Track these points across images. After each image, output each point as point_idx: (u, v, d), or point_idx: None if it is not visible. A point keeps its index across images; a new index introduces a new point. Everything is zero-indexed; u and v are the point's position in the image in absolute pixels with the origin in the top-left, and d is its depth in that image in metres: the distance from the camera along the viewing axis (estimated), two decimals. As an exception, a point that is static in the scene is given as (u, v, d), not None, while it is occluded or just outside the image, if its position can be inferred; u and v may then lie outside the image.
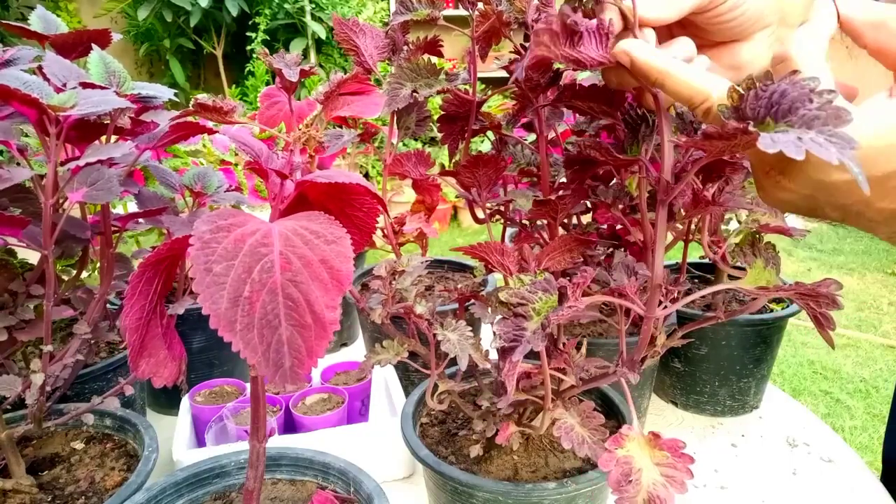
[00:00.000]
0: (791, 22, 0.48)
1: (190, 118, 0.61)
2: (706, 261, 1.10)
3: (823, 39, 0.38)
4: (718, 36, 0.47)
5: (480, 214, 0.69)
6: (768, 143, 0.32)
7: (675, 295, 0.52)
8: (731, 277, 0.86)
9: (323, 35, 4.41)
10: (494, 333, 0.46)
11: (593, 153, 0.48)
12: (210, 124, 0.62)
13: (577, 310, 0.45)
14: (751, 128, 0.34)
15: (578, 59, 0.44)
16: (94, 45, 0.62)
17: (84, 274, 0.72)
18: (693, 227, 0.70)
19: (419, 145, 3.65)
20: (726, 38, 0.47)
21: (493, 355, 0.63)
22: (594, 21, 0.43)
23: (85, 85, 0.55)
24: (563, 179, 0.67)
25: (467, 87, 0.64)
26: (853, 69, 0.40)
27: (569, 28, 0.43)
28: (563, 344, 0.60)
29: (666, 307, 0.48)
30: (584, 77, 0.76)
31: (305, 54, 4.46)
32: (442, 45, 0.66)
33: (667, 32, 0.47)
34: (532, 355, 0.49)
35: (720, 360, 0.97)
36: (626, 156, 0.49)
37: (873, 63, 0.56)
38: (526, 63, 0.45)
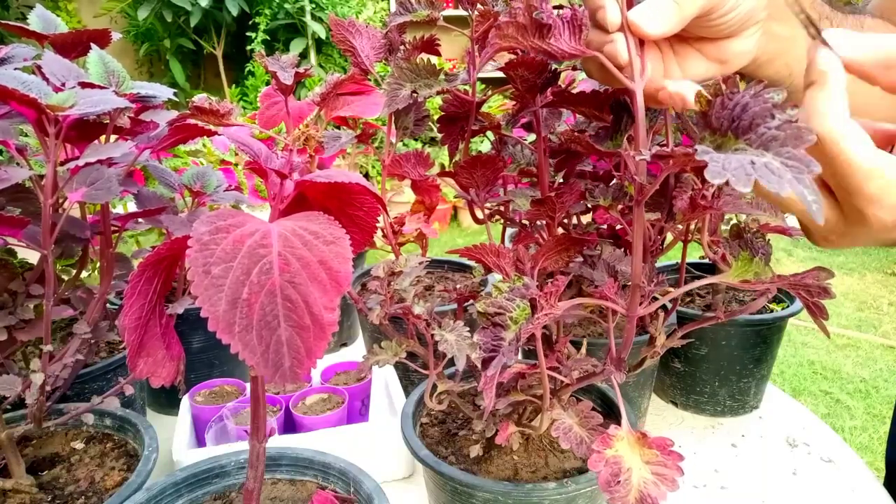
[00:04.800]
0: (780, 17, 0.48)
1: (189, 120, 0.61)
2: (706, 261, 1.10)
3: (840, 98, 0.35)
4: (709, 34, 0.46)
5: (480, 215, 0.69)
6: (718, 171, 0.30)
7: (658, 294, 0.51)
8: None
9: (323, 35, 4.41)
10: (475, 343, 0.46)
11: (573, 146, 0.48)
12: (209, 126, 0.62)
13: (553, 316, 0.45)
14: (698, 153, 0.31)
15: (549, 51, 0.43)
16: (93, 45, 0.62)
17: (84, 274, 0.72)
18: (693, 227, 0.70)
19: (419, 145, 3.65)
20: (717, 36, 0.46)
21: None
22: (566, 11, 0.42)
23: (84, 84, 0.55)
24: (563, 180, 0.67)
25: (467, 87, 0.64)
26: None
27: (536, 20, 0.42)
28: (557, 342, 0.60)
29: (647, 307, 0.48)
30: (585, 77, 0.76)
31: (305, 54, 4.45)
32: (439, 44, 0.66)
33: None
34: (530, 354, 0.49)
35: (720, 361, 0.97)
36: (604, 147, 0.48)
37: None
38: (488, 56, 0.44)
